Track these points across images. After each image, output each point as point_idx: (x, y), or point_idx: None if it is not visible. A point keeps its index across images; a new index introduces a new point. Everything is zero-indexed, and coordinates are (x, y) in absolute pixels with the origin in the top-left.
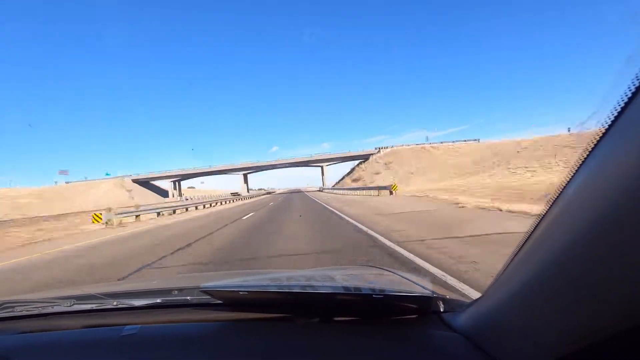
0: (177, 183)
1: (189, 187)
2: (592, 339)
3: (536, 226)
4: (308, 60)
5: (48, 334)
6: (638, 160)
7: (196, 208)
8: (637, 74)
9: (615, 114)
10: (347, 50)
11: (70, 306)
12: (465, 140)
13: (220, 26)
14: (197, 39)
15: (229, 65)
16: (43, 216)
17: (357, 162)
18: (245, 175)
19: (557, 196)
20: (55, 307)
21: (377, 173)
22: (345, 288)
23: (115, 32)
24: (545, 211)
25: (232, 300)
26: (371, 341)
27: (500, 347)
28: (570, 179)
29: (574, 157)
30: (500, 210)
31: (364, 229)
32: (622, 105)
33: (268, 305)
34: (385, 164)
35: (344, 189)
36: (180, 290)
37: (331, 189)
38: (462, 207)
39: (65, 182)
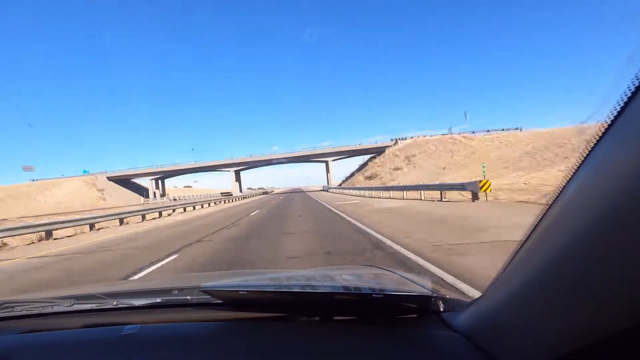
0: (158, 181)
1: (185, 187)
2: (592, 339)
3: (536, 226)
4: (308, 59)
5: (48, 333)
6: (638, 160)
7: (173, 211)
8: (637, 73)
9: (615, 113)
10: (347, 50)
11: (70, 306)
12: (503, 130)
13: (213, 23)
14: (197, 38)
15: (227, 63)
16: None
17: (367, 157)
18: (237, 173)
19: (557, 196)
20: (55, 307)
21: (398, 169)
22: (345, 288)
23: (101, 23)
24: (545, 211)
25: (232, 300)
26: (371, 341)
27: (500, 346)
28: (570, 178)
29: None
30: None
31: None
32: (622, 105)
33: (268, 305)
34: (407, 157)
35: (354, 189)
36: (180, 289)
37: (338, 188)
38: None
39: (31, 180)
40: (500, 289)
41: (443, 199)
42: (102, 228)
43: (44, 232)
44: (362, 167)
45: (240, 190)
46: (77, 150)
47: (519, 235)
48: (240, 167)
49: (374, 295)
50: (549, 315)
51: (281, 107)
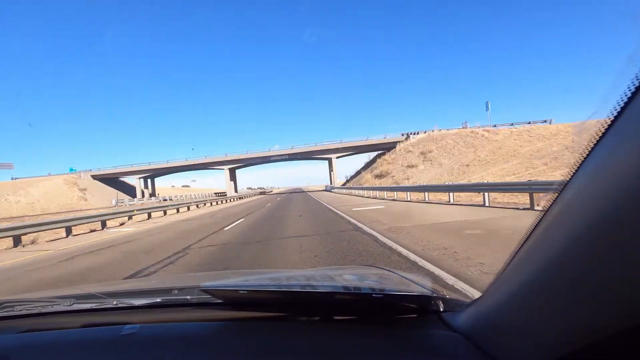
0: (147, 180)
1: (183, 186)
2: (592, 339)
3: (536, 226)
4: (308, 58)
5: (48, 333)
6: (638, 160)
7: (165, 213)
8: (637, 73)
9: (615, 113)
10: (347, 50)
11: (69, 305)
12: (529, 123)
13: (210, 20)
14: (194, 37)
15: (226, 61)
16: None
17: (374, 154)
18: (231, 171)
19: (557, 196)
20: (54, 306)
21: (412, 166)
22: (345, 287)
23: (96, 19)
24: (545, 211)
25: (232, 300)
26: (371, 340)
27: (500, 347)
28: (570, 178)
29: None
30: None
31: None
32: (622, 105)
33: (268, 304)
34: (422, 153)
35: (364, 189)
36: (181, 289)
37: (343, 188)
38: None
39: (12, 178)
40: (500, 289)
41: (487, 204)
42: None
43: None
44: (369, 165)
45: (236, 190)
46: (66, 149)
47: None
48: (235, 165)
49: (374, 295)
50: (549, 315)
51: (281, 106)
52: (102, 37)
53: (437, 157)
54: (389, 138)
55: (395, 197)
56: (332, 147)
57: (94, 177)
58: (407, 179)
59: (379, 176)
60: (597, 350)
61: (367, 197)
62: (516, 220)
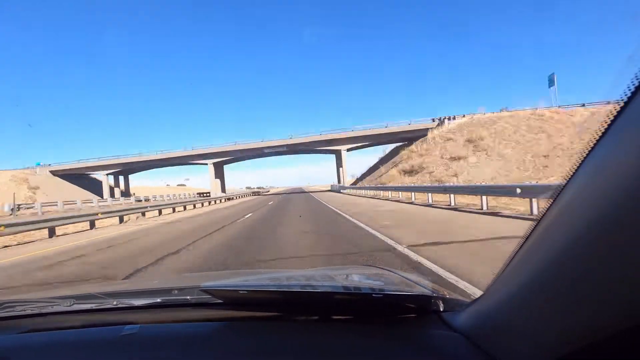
0: (119, 177)
1: (179, 185)
2: (592, 339)
3: (536, 226)
4: (308, 57)
5: (48, 333)
6: (638, 160)
7: (91, 226)
8: (636, 73)
9: (615, 113)
10: (347, 49)
11: (70, 306)
12: (608, 102)
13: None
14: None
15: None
16: None
17: (391, 146)
18: (217, 167)
19: (557, 196)
20: (55, 306)
21: (458, 158)
22: (345, 287)
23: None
24: (545, 211)
25: (232, 300)
26: (371, 340)
27: (500, 346)
28: (570, 178)
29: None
30: None
31: None
32: (622, 104)
33: (268, 304)
34: (470, 141)
35: (398, 189)
36: (181, 289)
37: (357, 188)
38: None
39: None
40: (500, 289)
41: None
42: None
43: None
44: (388, 158)
45: (223, 190)
46: (36, 142)
47: None
48: (221, 159)
49: (374, 295)
50: (549, 315)
51: (280, 104)
52: (66, 11)
53: (493, 146)
54: (416, 124)
55: (430, 200)
56: (341, 136)
57: (54, 173)
58: (455, 175)
59: (409, 172)
60: (597, 350)
61: (402, 202)
62: None
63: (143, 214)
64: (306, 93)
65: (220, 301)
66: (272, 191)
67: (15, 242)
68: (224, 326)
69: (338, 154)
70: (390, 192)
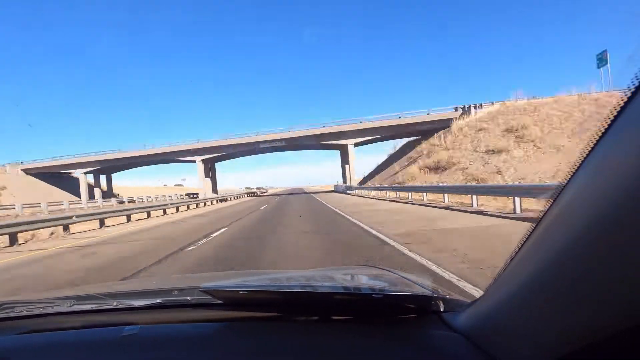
0: (99, 176)
1: (176, 185)
2: (592, 339)
3: (536, 226)
4: (308, 56)
5: (48, 334)
6: (638, 160)
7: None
8: (636, 73)
9: (615, 113)
10: (346, 49)
11: (70, 306)
12: None
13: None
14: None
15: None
16: None
17: (404, 141)
18: (207, 164)
19: (557, 196)
20: (55, 307)
21: (497, 151)
22: (345, 288)
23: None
24: (545, 211)
25: (232, 300)
26: (371, 341)
27: (500, 347)
28: (570, 178)
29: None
30: None
31: None
32: (622, 105)
33: (268, 305)
34: (510, 131)
35: (417, 190)
36: (181, 290)
37: (368, 188)
38: None
39: None
40: (500, 289)
41: None
42: None
43: None
44: (400, 154)
45: (215, 190)
46: (18, 138)
47: None
48: (211, 155)
49: (374, 295)
50: (549, 315)
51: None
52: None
53: (543, 137)
54: (435, 114)
55: (474, 204)
56: (347, 128)
57: (27, 171)
58: (499, 172)
59: (435, 169)
60: (597, 350)
61: (434, 206)
62: None
63: (101, 222)
64: (304, 91)
65: (220, 302)
66: (270, 192)
67: None
68: (224, 327)
69: (344, 150)
70: (409, 192)
